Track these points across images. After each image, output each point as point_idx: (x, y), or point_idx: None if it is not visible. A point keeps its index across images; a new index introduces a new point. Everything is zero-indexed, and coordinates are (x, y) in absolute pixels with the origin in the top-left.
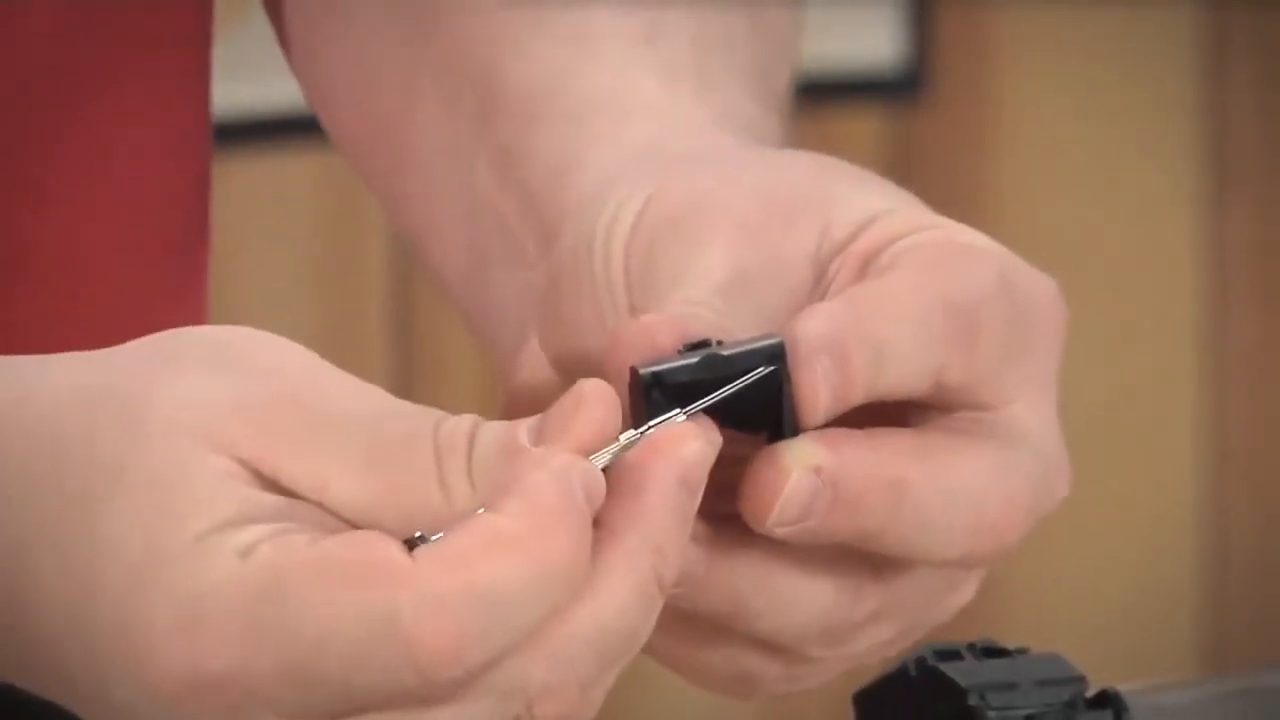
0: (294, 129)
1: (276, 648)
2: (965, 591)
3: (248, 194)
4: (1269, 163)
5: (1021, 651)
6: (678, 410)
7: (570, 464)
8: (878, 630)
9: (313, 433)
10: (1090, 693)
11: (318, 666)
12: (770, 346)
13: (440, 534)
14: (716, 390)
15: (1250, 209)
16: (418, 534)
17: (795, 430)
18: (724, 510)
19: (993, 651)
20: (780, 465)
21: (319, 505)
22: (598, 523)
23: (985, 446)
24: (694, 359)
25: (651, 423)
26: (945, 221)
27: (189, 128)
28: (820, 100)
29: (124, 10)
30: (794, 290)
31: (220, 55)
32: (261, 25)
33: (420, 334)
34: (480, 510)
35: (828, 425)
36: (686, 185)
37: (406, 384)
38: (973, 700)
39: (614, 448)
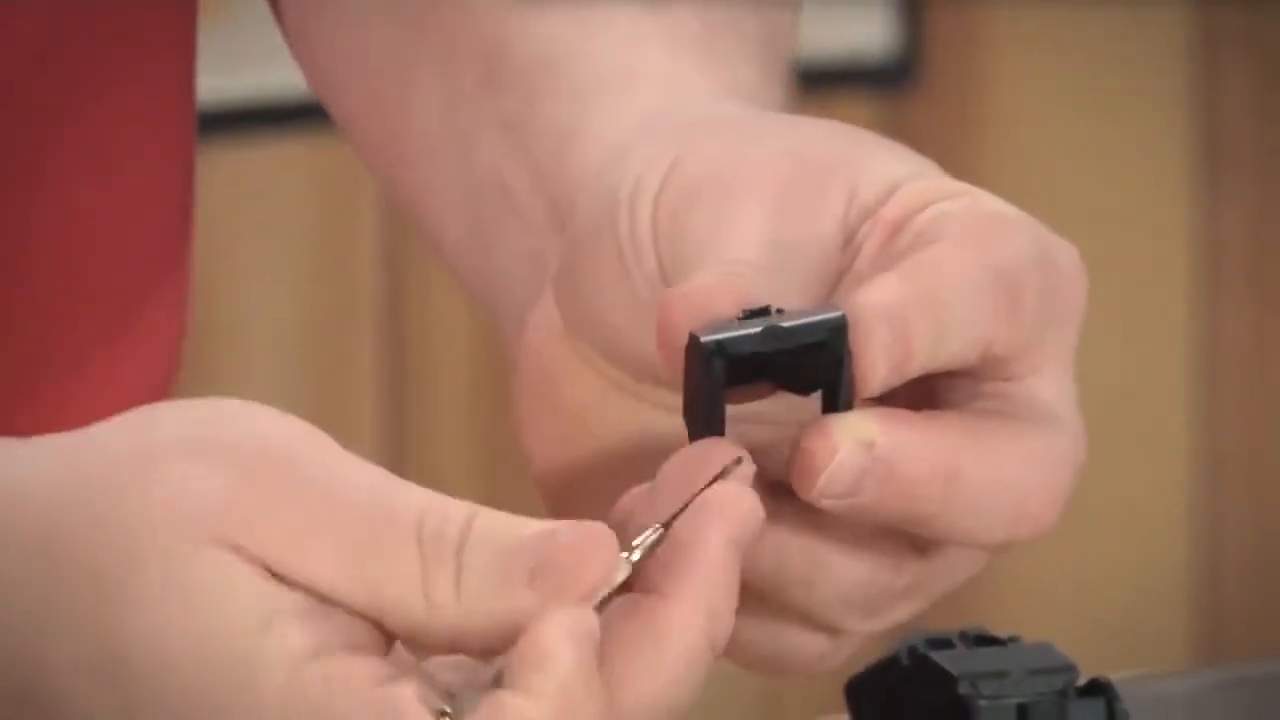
0: (284, 118)
1: None
2: (981, 560)
3: (237, 184)
4: (1262, 156)
5: (1013, 640)
6: (659, 526)
7: (580, 631)
8: (912, 602)
9: (299, 531)
10: (1081, 682)
11: None
12: (832, 319)
13: (463, 698)
14: (767, 364)
15: (1244, 202)
16: (445, 711)
17: (850, 404)
18: (770, 478)
19: (984, 640)
20: (831, 436)
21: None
22: (650, 589)
23: (1027, 429)
24: (756, 329)
25: (674, 515)
26: (969, 188)
27: (180, 124)
28: (812, 87)
29: (119, 10)
30: (825, 255)
31: (208, 45)
32: (249, 15)
33: (412, 321)
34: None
35: (881, 401)
36: (711, 150)
37: (398, 372)
38: (964, 689)
39: (646, 541)
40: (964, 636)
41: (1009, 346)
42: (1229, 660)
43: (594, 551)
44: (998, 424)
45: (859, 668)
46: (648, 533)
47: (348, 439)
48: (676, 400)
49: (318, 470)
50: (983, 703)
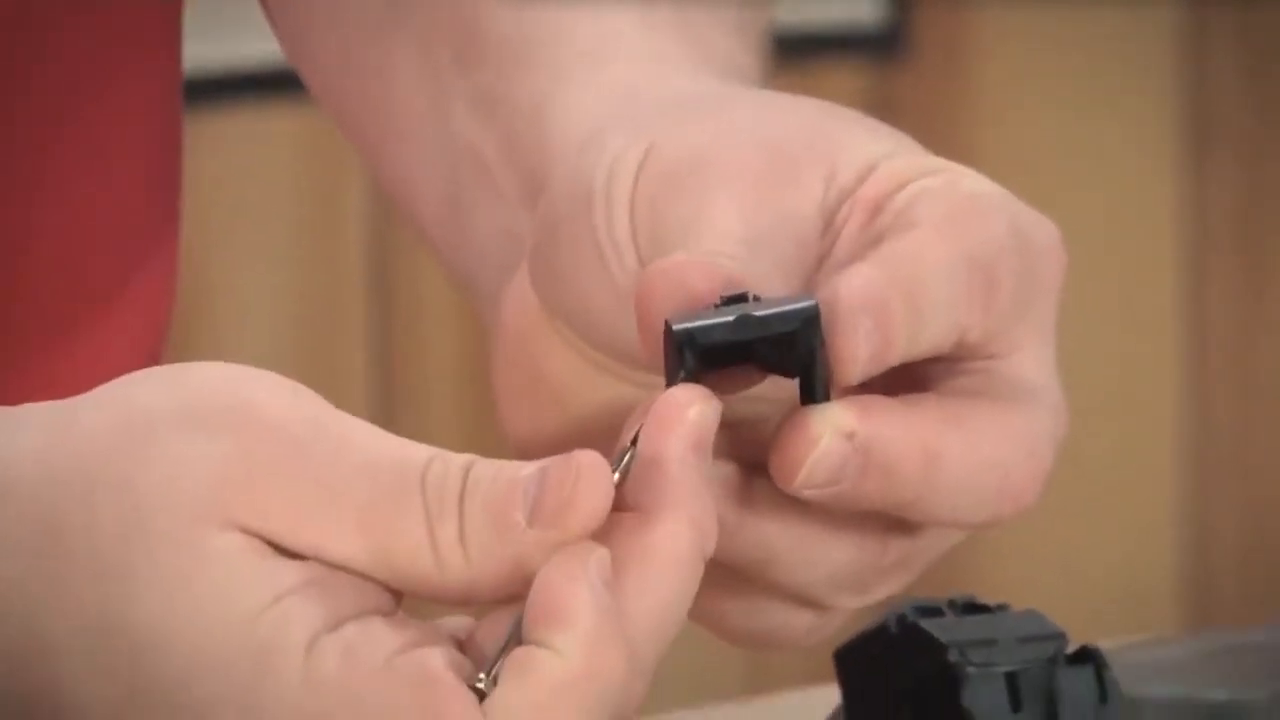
0: (270, 85)
1: None
2: (964, 533)
3: (223, 151)
4: (1250, 133)
5: (1002, 608)
6: (630, 445)
7: (593, 573)
8: (899, 577)
9: (301, 498)
10: (1071, 650)
11: None
12: (805, 309)
13: (495, 664)
14: (748, 350)
15: (1231, 178)
16: (480, 679)
17: (827, 393)
18: (755, 461)
19: (973, 608)
20: (810, 428)
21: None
22: (627, 507)
23: (1007, 407)
24: (729, 318)
25: (636, 431)
26: (947, 164)
27: (170, 112)
28: (801, 55)
29: (118, 10)
30: (804, 240)
31: (194, 11)
32: None
33: (400, 290)
34: (515, 618)
35: (858, 390)
36: (685, 137)
37: (386, 343)
38: (953, 657)
39: (623, 462)
40: (953, 605)
41: (984, 333)
42: (1217, 628)
43: (586, 481)
44: (976, 404)
45: (848, 636)
46: (621, 453)
47: (337, 402)
48: (656, 380)
49: (312, 431)
50: (972, 670)
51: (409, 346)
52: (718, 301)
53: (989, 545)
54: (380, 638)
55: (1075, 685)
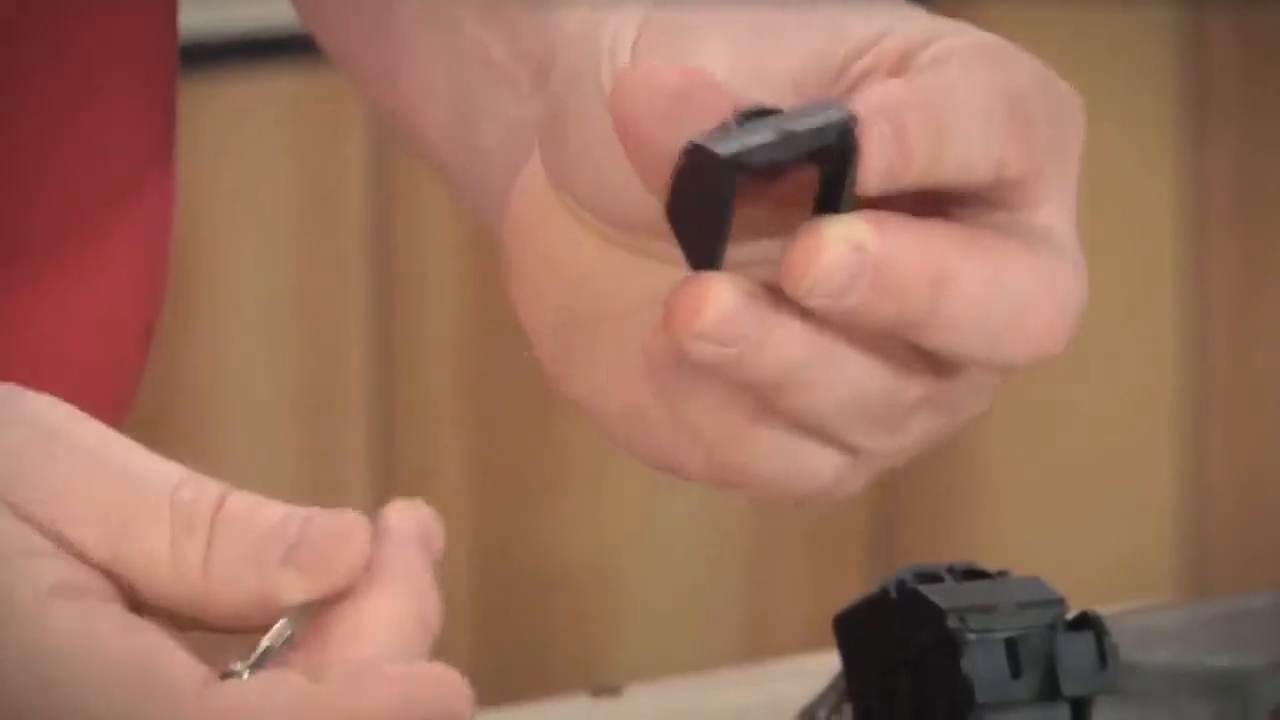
0: (271, 50)
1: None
2: (991, 387)
3: (221, 117)
4: (1249, 125)
5: (1002, 574)
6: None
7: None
8: (925, 420)
9: (57, 488)
10: (1070, 616)
11: None
12: (841, 120)
13: (260, 656)
14: (780, 161)
15: (1230, 169)
16: (238, 664)
17: (852, 207)
18: (778, 280)
19: (973, 574)
20: (822, 236)
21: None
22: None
23: (1030, 247)
24: (768, 135)
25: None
26: (969, 27)
27: (168, 98)
28: None
29: (120, 13)
30: (803, 85)
31: None
32: None
33: (400, 259)
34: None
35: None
36: (679, 5)
37: (386, 311)
38: (952, 623)
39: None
40: (953, 571)
41: (1023, 169)
42: (1216, 594)
43: (351, 536)
44: (999, 237)
45: (848, 603)
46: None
47: (336, 377)
48: (674, 250)
49: (81, 441)
50: (971, 637)
51: (409, 315)
52: (736, 118)
53: (990, 512)
54: (120, 616)
55: (1075, 651)
